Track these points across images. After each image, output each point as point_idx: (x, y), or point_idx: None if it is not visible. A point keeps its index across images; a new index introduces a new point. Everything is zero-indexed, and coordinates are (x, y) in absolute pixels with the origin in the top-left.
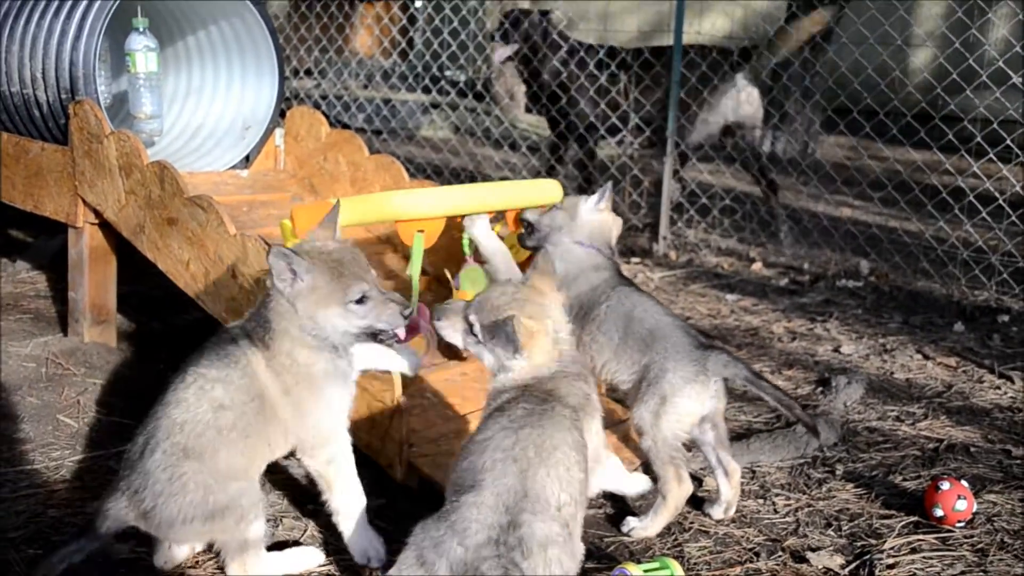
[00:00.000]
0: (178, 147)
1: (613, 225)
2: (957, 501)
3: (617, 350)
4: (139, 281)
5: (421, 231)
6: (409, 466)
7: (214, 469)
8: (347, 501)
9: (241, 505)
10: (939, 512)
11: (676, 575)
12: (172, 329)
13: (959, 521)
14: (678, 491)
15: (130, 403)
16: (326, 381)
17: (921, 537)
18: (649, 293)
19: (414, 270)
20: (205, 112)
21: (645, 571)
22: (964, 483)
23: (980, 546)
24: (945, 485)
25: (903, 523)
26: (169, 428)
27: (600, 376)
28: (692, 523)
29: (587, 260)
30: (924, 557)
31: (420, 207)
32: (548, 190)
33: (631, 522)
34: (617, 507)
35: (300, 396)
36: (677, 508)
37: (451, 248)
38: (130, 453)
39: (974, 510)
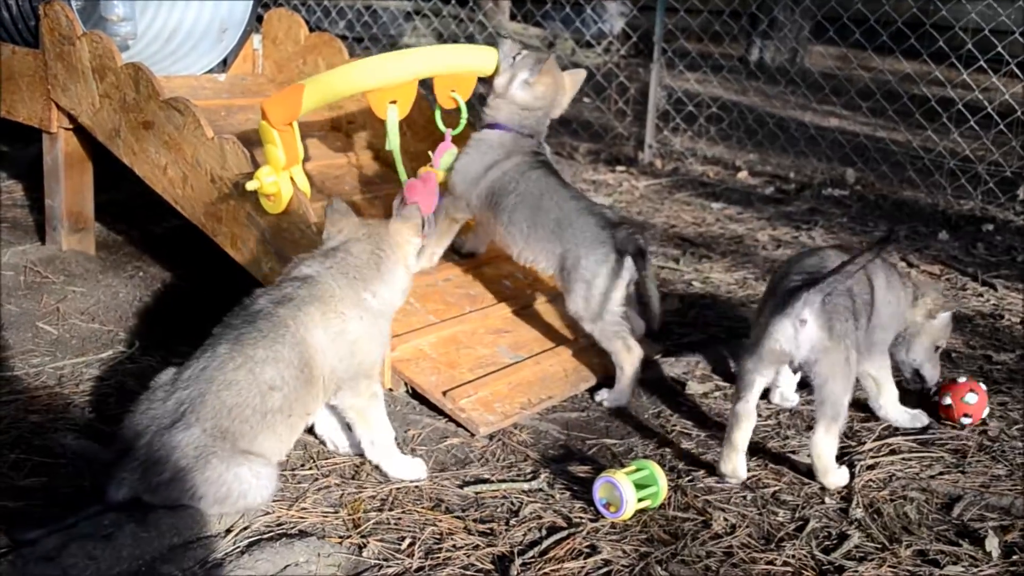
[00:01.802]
0: (153, 51)
1: (547, 100)
2: (968, 394)
3: (528, 239)
4: (117, 190)
5: (394, 102)
6: (392, 371)
7: (248, 449)
8: (383, 431)
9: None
10: (947, 400)
11: (657, 477)
12: (151, 237)
13: (965, 415)
14: (631, 358)
15: (110, 310)
16: (387, 318)
17: (900, 440)
18: (558, 174)
19: (393, 144)
20: (180, 15)
21: (627, 474)
22: (982, 384)
23: (959, 448)
24: (961, 379)
25: (883, 426)
26: (216, 409)
27: (517, 260)
28: (674, 426)
29: (499, 146)
30: (903, 459)
31: (385, 73)
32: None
33: (603, 394)
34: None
35: (365, 332)
36: (636, 372)
37: (430, 128)
38: (157, 412)
39: (985, 413)
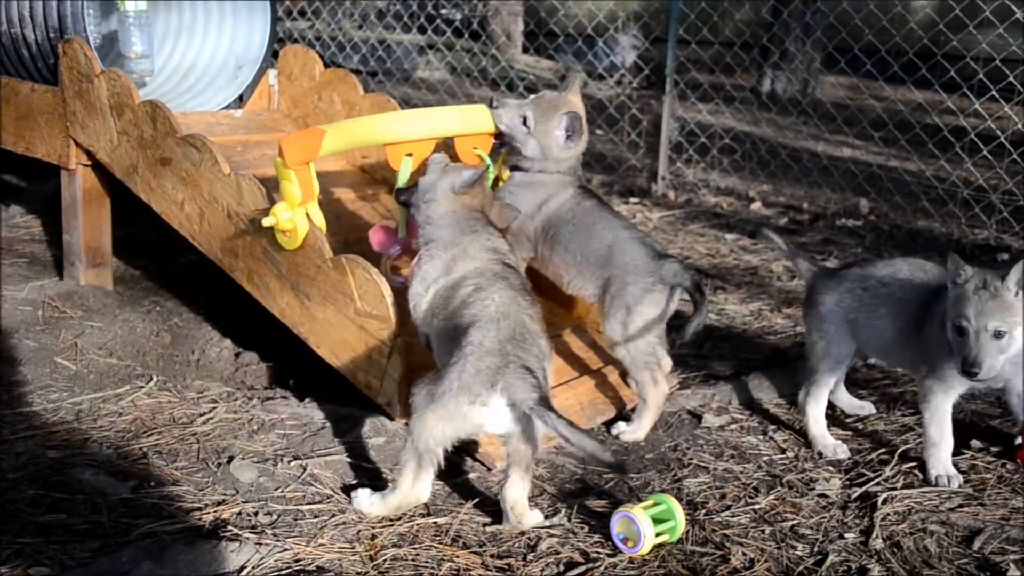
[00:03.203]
0: (170, 87)
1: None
2: None
3: (580, 267)
4: (134, 225)
5: (410, 155)
6: (407, 405)
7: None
8: None
9: None
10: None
11: (675, 511)
12: (168, 272)
13: None
14: (656, 392)
15: (127, 345)
16: None
17: (918, 473)
18: (608, 204)
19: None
20: (197, 51)
21: (645, 508)
22: None
23: (978, 481)
24: None
25: (900, 457)
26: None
27: (567, 290)
28: (691, 459)
29: (552, 183)
30: (922, 491)
31: (406, 130)
32: None
33: (620, 426)
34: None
35: None
36: (659, 408)
37: None
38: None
39: None
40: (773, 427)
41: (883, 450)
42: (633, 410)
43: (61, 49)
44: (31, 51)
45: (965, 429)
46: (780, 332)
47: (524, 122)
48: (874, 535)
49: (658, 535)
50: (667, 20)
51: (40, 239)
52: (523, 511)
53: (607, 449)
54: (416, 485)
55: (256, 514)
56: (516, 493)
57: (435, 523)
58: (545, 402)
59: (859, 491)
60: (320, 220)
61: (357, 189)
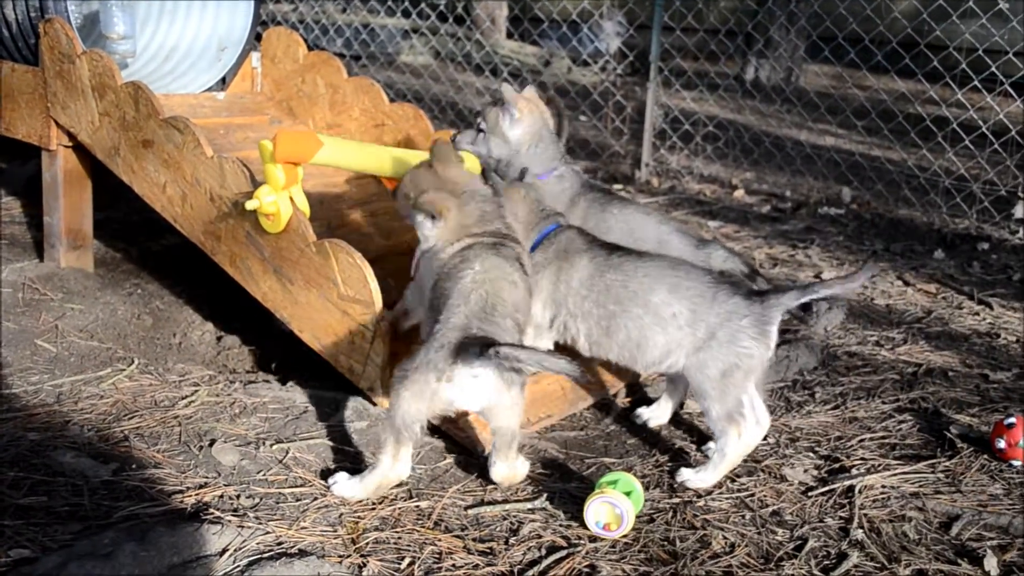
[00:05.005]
0: (152, 69)
1: (543, 125)
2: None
3: None
4: (116, 207)
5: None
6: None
7: None
8: None
9: None
10: (1001, 444)
11: (632, 481)
12: (149, 254)
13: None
14: None
15: (108, 328)
16: None
17: (896, 459)
18: (631, 200)
19: None
20: (179, 33)
21: (616, 489)
22: None
23: (956, 468)
24: (1012, 420)
25: (880, 444)
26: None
27: None
28: (672, 444)
29: (560, 196)
30: (901, 478)
31: (401, 168)
32: None
33: (643, 412)
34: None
35: None
36: None
37: None
38: None
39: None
40: None
41: (863, 436)
42: (616, 395)
43: (42, 29)
44: (11, 30)
45: (943, 417)
46: None
47: (479, 128)
48: (854, 521)
49: None
50: (652, 7)
51: (20, 221)
52: (513, 482)
53: (561, 357)
54: (396, 464)
55: (238, 497)
56: (502, 473)
57: (417, 507)
58: (495, 345)
59: (838, 477)
60: (304, 204)
61: (341, 174)
